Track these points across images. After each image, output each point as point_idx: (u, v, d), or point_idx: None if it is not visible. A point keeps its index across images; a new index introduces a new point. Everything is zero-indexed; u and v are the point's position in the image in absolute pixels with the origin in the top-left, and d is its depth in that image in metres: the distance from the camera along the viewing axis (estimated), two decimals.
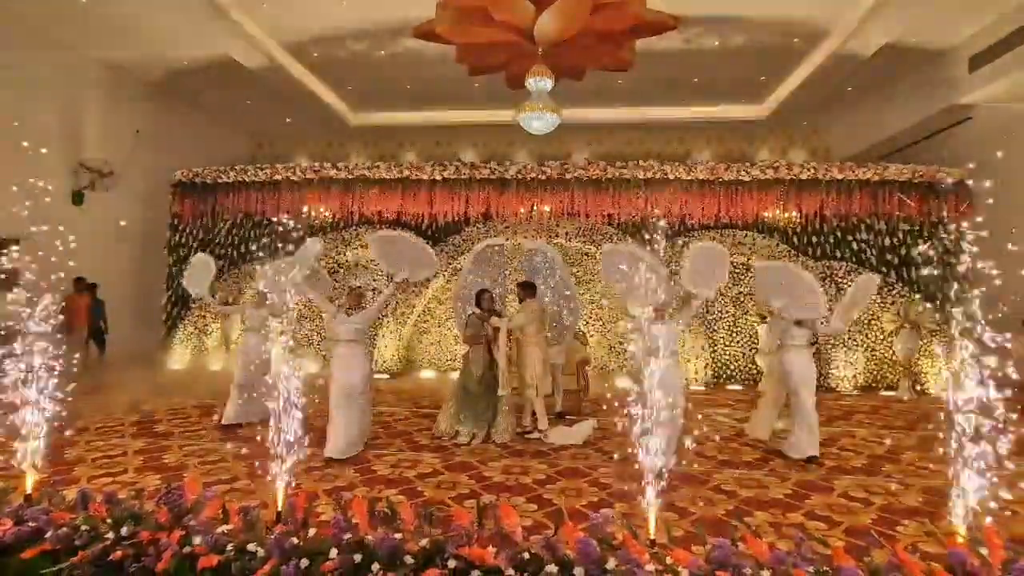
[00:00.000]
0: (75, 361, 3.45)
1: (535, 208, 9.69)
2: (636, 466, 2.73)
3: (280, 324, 3.15)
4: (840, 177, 9.31)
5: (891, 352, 8.73)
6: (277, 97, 11.28)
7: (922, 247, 8.56)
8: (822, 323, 5.16)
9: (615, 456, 4.77)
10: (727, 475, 4.47)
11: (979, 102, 8.97)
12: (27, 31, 8.47)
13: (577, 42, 7.08)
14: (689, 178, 9.52)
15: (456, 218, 9.77)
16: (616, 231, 9.48)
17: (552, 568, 2.36)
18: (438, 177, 9.77)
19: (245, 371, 5.78)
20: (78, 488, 3.18)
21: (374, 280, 9.49)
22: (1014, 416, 2.66)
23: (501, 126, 11.31)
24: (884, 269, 8.97)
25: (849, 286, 6.07)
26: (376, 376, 8.26)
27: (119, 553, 2.58)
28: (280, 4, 8.24)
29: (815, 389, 5.06)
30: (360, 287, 5.25)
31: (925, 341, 8.48)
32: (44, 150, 7.92)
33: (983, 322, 2.63)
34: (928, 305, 8.47)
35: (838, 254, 9.29)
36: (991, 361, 2.60)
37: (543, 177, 9.65)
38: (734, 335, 9.25)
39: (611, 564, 2.36)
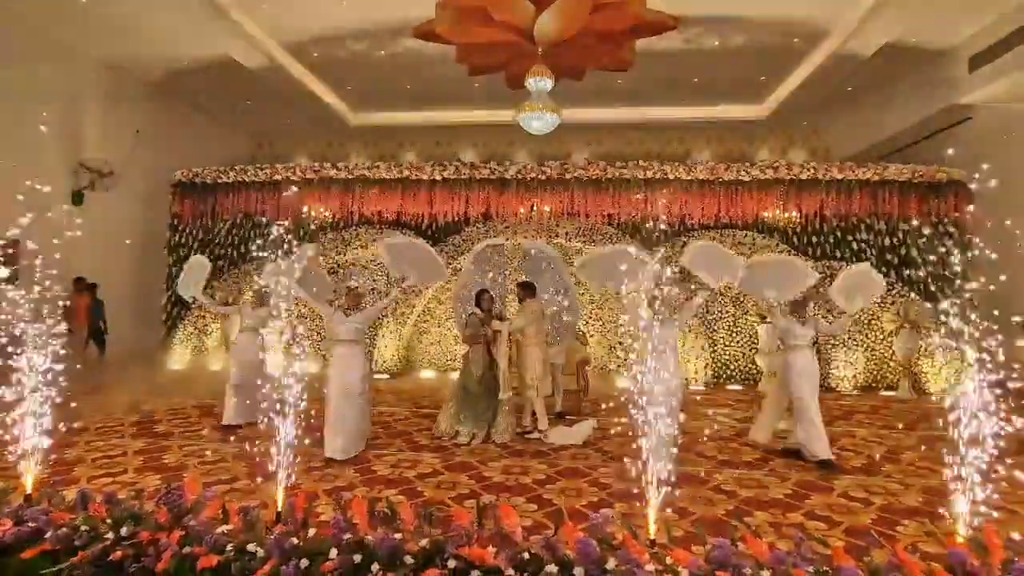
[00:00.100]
0: (76, 361, 3.44)
1: (535, 208, 9.69)
2: (636, 466, 2.73)
3: (280, 324, 3.15)
4: (840, 177, 9.31)
5: (891, 352, 8.73)
6: (277, 97, 11.29)
7: (922, 246, 8.59)
8: (824, 321, 5.16)
9: (614, 458, 4.78)
10: (727, 475, 4.47)
11: (979, 102, 8.98)
12: (27, 31, 8.47)
13: (577, 42, 7.08)
14: (689, 178, 9.52)
15: (456, 218, 9.77)
16: (616, 231, 9.48)
17: (552, 568, 2.36)
18: (438, 177, 9.77)
19: (241, 371, 5.78)
20: (78, 488, 3.18)
21: (373, 280, 9.49)
22: (1015, 418, 2.65)
23: (501, 126, 11.32)
24: (884, 269, 8.96)
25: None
26: (376, 376, 8.27)
27: (119, 553, 2.58)
28: (280, 4, 8.24)
29: (818, 390, 4.98)
30: (358, 287, 5.25)
31: (925, 341, 8.48)
32: (43, 151, 7.94)
33: (983, 321, 2.62)
34: (927, 305, 8.46)
35: (838, 254, 9.29)
36: (991, 360, 2.59)
37: (543, 177, 9.66)
38: (734, 335, 9.25)
39: (611, 564, 2.36)
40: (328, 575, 2.43)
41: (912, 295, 8.75)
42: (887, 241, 9.17)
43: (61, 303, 3.26)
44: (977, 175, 2.73)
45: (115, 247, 9.95)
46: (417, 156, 13.60)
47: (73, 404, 3.32)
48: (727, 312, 9.24)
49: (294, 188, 9.85)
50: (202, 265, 6.36)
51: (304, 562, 2.46)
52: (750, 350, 9.13)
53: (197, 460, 4.69)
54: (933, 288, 8.54)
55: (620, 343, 9.46)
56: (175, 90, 11.06)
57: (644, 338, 2.85)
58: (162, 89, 10.94)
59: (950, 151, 7.54)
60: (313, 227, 9.87)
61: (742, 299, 9.22)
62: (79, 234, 3.47)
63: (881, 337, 8.83)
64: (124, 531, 2.67)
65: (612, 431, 5.61)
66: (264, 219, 10.03)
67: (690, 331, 8.81)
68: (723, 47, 9.34)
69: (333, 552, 2.48)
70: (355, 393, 4.86)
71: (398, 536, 2.55)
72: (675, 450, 2.83)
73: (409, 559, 2.43)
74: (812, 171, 9.36)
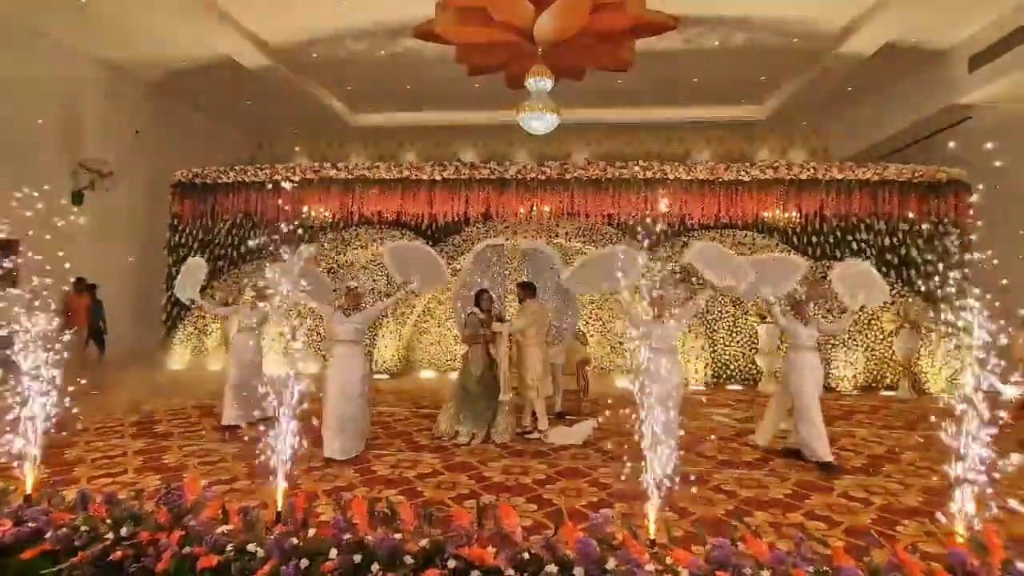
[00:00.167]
0: (76, 361, 3.44)
1: (535, 208, 9.68)
2: (636, 466, 2.73)
3: (279, 325, 3.15)
4: (840, 177, 9.31)
5: (891, 352, 8.73)
6: (277, 97, 11.30)
7: (922, 246, 8.60)
8: (825, 321, 5.17)
9: (614, 457, 4.78)
10: (727, 475, 4.47)
11: (978, 102, 8.98)
12: (27, 31, 8.47)
13: (577, 42, 7.09)
14: (689, 178, 9.52)
15: (456, 218, 9.77)
16: (616, 231, 9.49)
17: (552, 568, 2.36)
18: (438, 177, 9.77)
19: (240, 371, 5.78)
20: (78, 488, 3.18)
21: (373, 281, 9.49)
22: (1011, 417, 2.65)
23: (501, 126, 11.33)
24: (884, 269, 8.96)
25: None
26: (376, 376, 8.27)
27: (119, 553, 2.58)
28: (280, 4, 8.25)
29: (820, 392, 4.94)
30: (357, 287, 5.24)
31: (925, 341, 8.48)
32: (43, 151, 7.95)
33: (983, 320, 2.62)
34: (926, 304, 8.47)
35: (838, 254, 9.28)
36: (991, 360, 2.59)
37: (543, 177, 9.65)
38: (734, 335, 9.25)
39: (611, 564, 2.36)
40: (328, 575, 2.43)
41: (912, 295, 8.75)
42: (887, 241, 9.17)
43: (60, 303, 3.27)
44: (981, 185, 2.71)
45: (115, 247, 9.96)
46: (417, 156, 13.60)
47: (73, 404, 3.32)
48: (727, 312, 9.24)
49: (286, 185, 9.85)
50: (199, 267, 6.36)
51: (304, 562, 2.46)
52: (750, 350, 9.13)
53: (197, 460, 4.69)
54: (933, 287, 8.54)
55: (620, 343, 9.47)
56: (175, 90, 11.07)
57: (644, 338, 2.85)
58: (162, 89, 10.95)
59: (951, 144, 7.53)
60: (313, 227, 9.87)
61: (742, 299, 9.22)
62: (77, 232, 3.47)
63: (881, 337, 8.83)
64: (124, 531, 2.67)
65: (613, 431, 5.60)
66: (262, 219, 10.04)
67: (690, 331, 8.81)
68: (723, 47, 9.35)
69: (333, 552, 2.48)
70: (355, 393, 4.86)
71: (398, 536, 2.55)
72: (676, 450, 2.83)
73: (409, 559, 2.43)
74: (812, 171, 9.36)
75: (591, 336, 9.44)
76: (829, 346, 8.72)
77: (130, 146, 10.17)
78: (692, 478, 3.76)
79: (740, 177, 9.42)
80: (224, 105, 11.99)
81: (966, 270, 2.66)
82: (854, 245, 9.24)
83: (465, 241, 9.55)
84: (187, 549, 2.57)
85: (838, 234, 9.32)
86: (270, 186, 9.93)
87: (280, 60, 9.91)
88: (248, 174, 10.25)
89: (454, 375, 6.08)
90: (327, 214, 10.05)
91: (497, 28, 6.94)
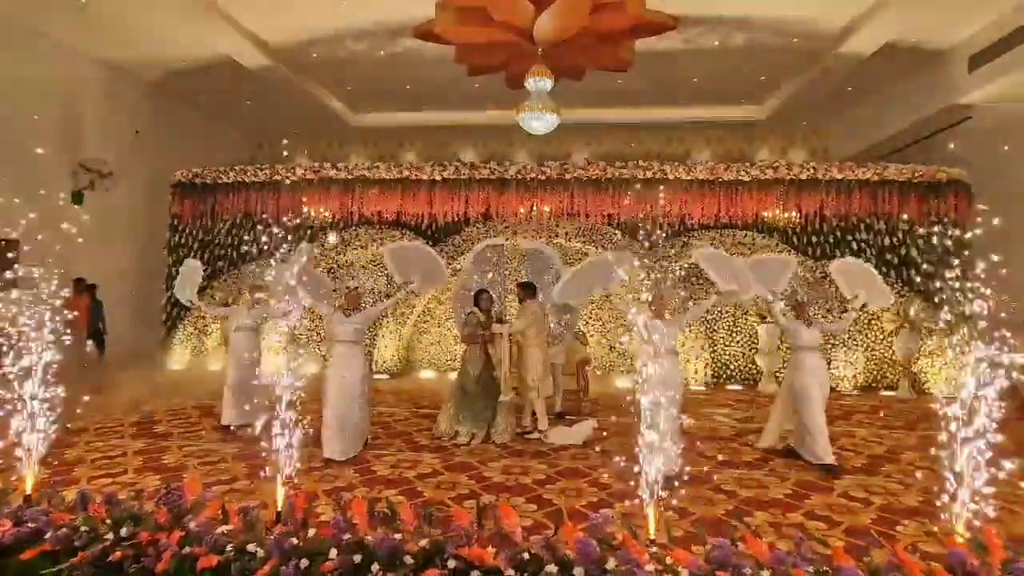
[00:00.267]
0: (76, 361, 3.44)
1: (535, 208, 9.68)
2: (636, 466, 2.73)
3: (279, 325, 3.14)
4: (840, 177, 9.31)
5: (891, 352, 8.73)
6: (277, 97, 11.29)
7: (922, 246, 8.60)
8: (830, 322, 5.17)
9: (615, 459, 4.78)
10: (727, 475, 4.47)
11: (978, 102, 8.98)
12: (27, 31, 8.47)
13: (577, 42, 7.09)
14: (689, 178, 9.52)
15: (456, 218, 9.77)
16: (616, 231, 9.49)
17: (552, 568, 2.36)
18: (438, 177, 9.77)
19: (239, 371, 5.77)
20: (78, 489, 3.18)
21: (373, 281, 9.49)
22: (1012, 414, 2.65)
23: (501, 126, 11.32)
24: (884, 269, 8.96)
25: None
26: (376, 376, 8.27)
27: (119, 554, 2.58)
28: (280, 4, 8.24)
29: (827, 394, 4.89)
30: (357, 287, 5.24)
31: (925, 341, 8.48)
32: (43, 150, 7.94)
33: (983, 320, 2.62)
34: (926, 304, 8.47)
35: (838, 254, 9.28)
36: (991, 359, 2.59)
37: (543, 177, 9.65)
38: (734, 335, 9.25)
39: (611, 564, 2.36)
40: (328, 575, 2.42)
41: (912, 295, 8.75)
42: (887, 241, 9.17)
43: (60, 303, 3.26)
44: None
45: (115, 247, 9.95)
46: (417, 156, 13.60)
47: (74, 405, 3.32)
48: (727, 312, 9.24)
49: (292, 177, 9.88)
50: (195, 269, 6.37)
51: (304, 562, 2.46)
52: (750, 350, 9.14)
53: (197, 460, 4.69)
54: (932, 287, 8.54)
55: (620, 342, 9.47)
56: (175, 90, 11.06)
57: (644, 339, 2.85)
58: (162, 89, 10.95)
59: (951, 144, 7.52)
60: (314, 227, 9.87)
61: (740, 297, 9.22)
62: (76, 232, 3.47)
63: (881, 337, 8.83)
64: (124, 532, 2.67)
65: (608, 431, 5.60)
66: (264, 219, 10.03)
67: (690, 331, 8.81)
68: (723, 47, 9.34)
69: (333, 552, 2.48)
70: (355, 394, 4.86)
71: (398, 536, 2.55)
72: (676, 450, 2.83)
73: (409, 559, 2.43)
74: (812, 171, 9.36)
75: (591, 336, 9.44)
76: (829, 346, 8.72)
77: (130, 146, 10.16)
78: (688, 478, 3.75)
79: (740, 177, 9.41)
80: (224, 105, 11.99)
81: (965, 270, 2.65)
82: (854, 245, 9.24)
83: (465, 241, 9.55)
84: (187, 549, 2.56)
85: (838, 234, 9.31)
86: (288, 182, 9.95)
87: (280, 60, 9.91)
88: (248, 174, 10.26)
89: (454, 375, 6.09)
90: (327, 214, 10.05)
91: (497, 28, 6.94)
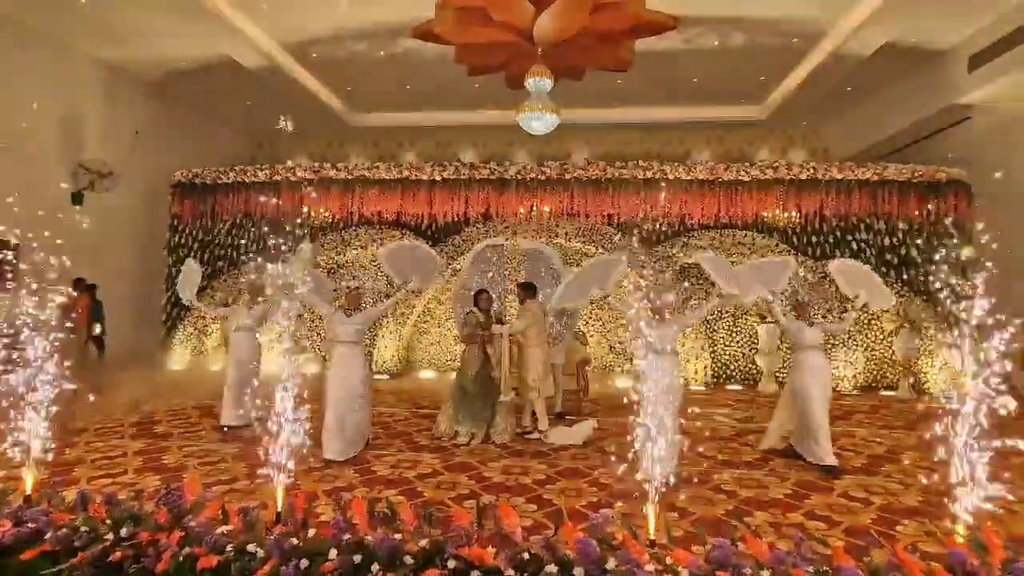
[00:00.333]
0: (76, 361, 3.44)
1: (535, 208, 9.69)
2: (636, 468, 2.73)
3: (279, 325, 3.14)
4: (839, 177, 9.31)
5: (891, 352, 8.73)
6: (277, 97, 11.28)
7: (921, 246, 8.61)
8: (831, 322, 5.17)
9: (614, 459, 4.78)
10: (727, 475, 4.47)
11: (978, 102, 8.98)
12: (27, 31, 8.47)
13: (576, 42, 7.08)
14: (689, 178, 9.52)
15: (456, 218, 9.77)
16: (616, 231, 9.49)
17: (552, 568, 2.36)
18: (438, 177, 9.77)
19: (239, 371, 5.78)
20: (78, 489, 3.18)
21: (373, 281, 9.49)
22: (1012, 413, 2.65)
23: (501, 126, 11.31)
24: (884, 269, 8.97)
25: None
26: (376, 376, 8.26)
27: (119, 554, 2.58)
28: (279, 4, 8.23)
29: (829, 395, 4.87)
30: (358, 287, 5.24)
31: (925, 341, 8.48)
32: (43, 151, 7.93)
33: (982, 320, 2.62)
34: (926, 304, 8.47)
35: (837, 254, 9.29)
36: (991, 360, 2.59)
37: (543, 177, 9.65)
38: (734, 335, 9.26)
39: (611, 564, 2.36)
40: (328, 575, 2.42)
41: (912, 295, 8.75)
42: (887, 241, 9.18)
43: (61, 303, 3.26)
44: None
45: (115, 247, 9.95)
46: (417, 156, 13.58)
47: (75, 405, 3.32)
48: (727, 312, 9.24)
49: (307, 188, 9.91)
50: (193, 270, 6.38)
51: (304, 562, 2.46)
52: (750, 350, 9.14)
53: (197, 461, 4.69)
54: (932, 287, 8.54)
55: (620, 342, 9.47)
56: (175, 90, 11.06)
57: (644, 338, 2.85)
58: (162, 89, 10.94)
59: (951, 145, 7.52)
60: (314, 227, 9.87)
61: (741, 300, 9.23)
62: (75, 233, 3.46)
63: (881, 337, 8.83)
64: (124, 532, 2.67)
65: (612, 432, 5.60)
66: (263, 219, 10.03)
67: (690, 331, 8.81)
68: (723, 47, 9.34)
69: (333, 552, 2.48)
70: (355, 394, 4.86)
71: (398, 536, 2.54)
72: (676, 450, 2.83)
73: (409, 559, 2.43)
74: (812, 171, 9.36)
75: (591, 336, 9.44)
76: (829, 346, 8.73)
77: (130, 146, 10.16)
78: (685, 476, 3.75)
79: (740, 177, 9.42)
80: (224, 105, 11.99)
81: (965, 269, 2.66)
82: (854, 245, 9.25)
83: (465, 241, 9.56)
84: (187, 550, 2.56)
85: (838, 234, 9.32)
86: (288, 181, 9.96)
87: (279, 60, 9.91)
88: (248, 174, 10.26)
89: (454, 375, 6.10)
90: (327, 214, 10.05)
91: (497, 28, 6.93)
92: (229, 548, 2.56)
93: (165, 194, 10.54)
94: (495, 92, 9.66)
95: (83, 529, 2.70)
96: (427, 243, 9.59)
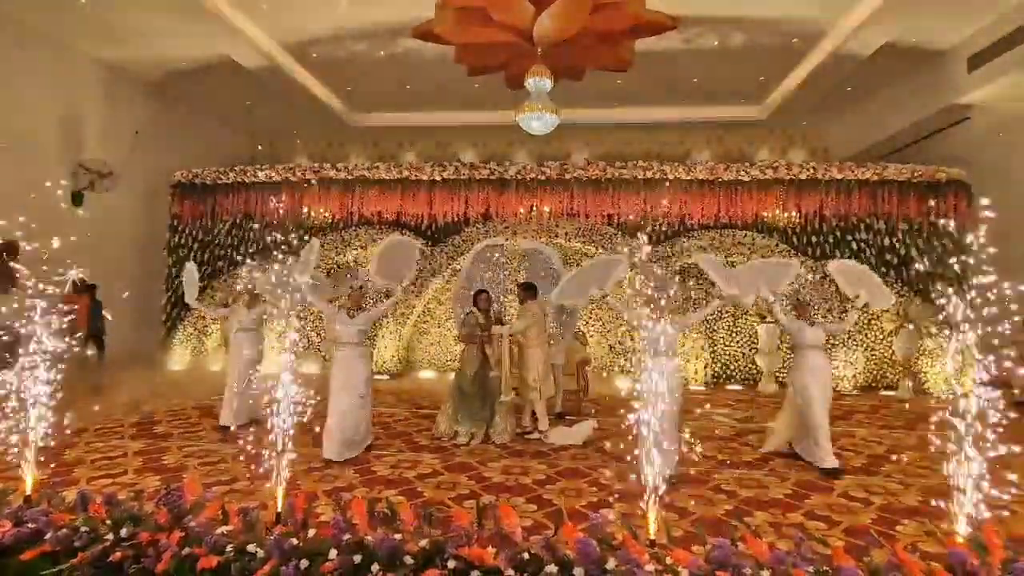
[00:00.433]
0: (76, 362, 3.44)
1: (535, 208, 9.69)
2: (636, 468, 2.73)
3: (280, 325, 3.14)
4: (839, 177, 9.31)
5: (891, 352, 8.73)
6: (277, 97, 11.28)
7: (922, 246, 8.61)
8: (831, 322, 5.17)
9: (616, 458, 4.78)
10: (727, 475, 4.47)
11: (977, 102, 8.98)
12: (27, 31, 8.47)
13: (576, 42, 7.08)
14: (689, 178, 9.52)
15: (456, 218, 9.77)
16: (616, 231, 9.49)
17: (552, 568, 2.36)
18: (438, 177, 9.77)
19: (239, 372, 5.77)
20: (77, 489, 3.18)
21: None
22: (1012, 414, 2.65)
23: (501, 126, 11.31)
24: (884, 269, 8.97)
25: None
26: (376, 376, 8.26)
27: (118, 554, 2.58)
28: (279, 4, 8.24)
29: (830, 396, 4.85)
30: (361, 287, 5.24)
31: (924, 341, 8.48)
32: (43, 151, 7.92)
33: (983, 321, 2.62)
34: (926, 303, 8.47)
35: (837, 254, 9.29)
36: (992, 360, 2.59)
37: (543, 177, 9.65)
38: (734, 335, 9.26)
39: (611, 564, 2.36)
40: (328, 575, 2.42)
41: (912, 295, 8.75)
42: (887, 241, 9.18)
43: (63, 304, 3.27)
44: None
45: (115, 247, 9.95)
46: (417, 156, 13.59)
47: (75, 406, 3.32)
48: (727, 312, 9.24)
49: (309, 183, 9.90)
50: (191, 273, 6.38)
51: (304, 563, 2.46)
52: (750, 350, 9.14)
53: (197, 461, 4.69)
54: (932, 287, 8.55)
55: (620, 342, 9.47)
56: (175, 91, 11.06)
57: (644, 338, 2.85)
58: (162, 90, 10.94)
59: (950, 144, 7.52)
60: (314, 227, 9.87)
61: (741, 300, 9.23)
62: (76, 233, 3.47)
63: (881, 337, 8.83)
64: (124, 532, 2.67)
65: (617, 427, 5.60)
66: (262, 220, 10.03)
67: (690, 332, 8.80)
68: (723, 47, 9.34)
69: (333, 553, 2.48)
70: (357, 395, 4.86)
71: (398, 536, 2.55)
72: (676, 450, 2.83)
73: (409, 559, 2.43)
74: (812, 171, 9.36)
75: (591, 336, 9.45)
76: (829, 346, 8.73)
77: (130, 146, 10.16)
78: (685, 476, 3.76)
79: (740, 177, 9.42)
80: (223, 105, 11.98)
81: (964, 269, 2.66)
82: (854, 245, 9.25)
83: (465, 241, 9.56)
84: (187, 550, 2.56)
85: (838, 234, 9.32)
86: (288, 181, 9.95)
87: (279, 60, 9.91)
88: (248, 174, 10.26)
89: (453, 375, 6.10)
90: (327, 214, 10.05)
91: (496, 28, 6.93)
92: (229, 548, 2.56)
93: (165, 194, 10.54)
94: (495, 92, 9.66)
95: (83, 529, 2.71)
96: (427, 243, 9.63)
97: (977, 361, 2.61)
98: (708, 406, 6.00)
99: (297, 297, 3.21)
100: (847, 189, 9.31)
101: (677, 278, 6.19)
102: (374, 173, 9.95)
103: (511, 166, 9.79)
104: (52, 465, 3.56)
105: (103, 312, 9.06)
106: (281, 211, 9.92)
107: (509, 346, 5.69)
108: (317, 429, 4.35)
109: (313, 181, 9.96)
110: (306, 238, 5.26)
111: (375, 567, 2.41)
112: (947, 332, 2.65)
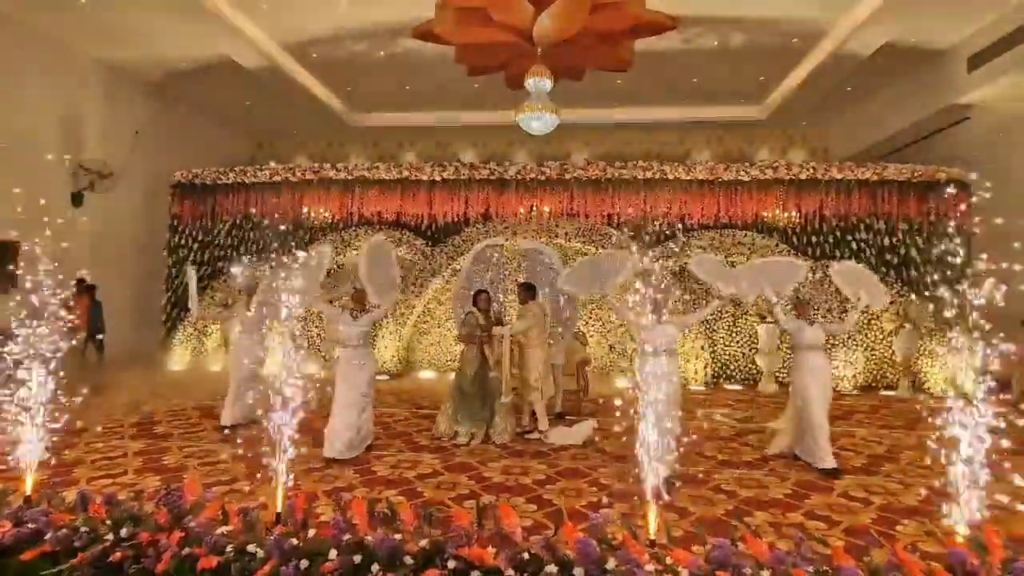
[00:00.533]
0: (76, 362, 3.44)
1: (535, 208, 9.69)
2: (636, 468, 2.73)
3: (281, 325, 3.14)
4: (839, 177, 9.31)
5: (891, 352, 8.73)
6: (277, 97, 11.29)
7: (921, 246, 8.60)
8: (830, 322, 5.16)
9: (616, 458, 4.78)
10: (727, 475, 4.47)
11: (977, 102, 8.98)
12: (27, 31, 8.47)
13: (576, 42, 7.08)
14: (689, 178, 9.52)
15: (456, 218, 9.77)
16: (615, 231, 9.49)
17: (552, 568, 2.36)
18: (438, 178, 9.77)
19: (240, 372, 5.77)
20: (78, 489, 3.18)
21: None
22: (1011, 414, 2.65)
23: (501, 126, 11.31)
24: (884, 269, 8.97)
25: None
26: (376, 376, 8.26)
27: (118, 554, 2.58)
28: (279, 5, 8.24)
29: (829, 396, 4.83)
30: (364, 288, 5.23)
31: (924, 340, 8.48)
32: (43, 151, 7.93)
33: (982, 320, 2.62)
34: (924, 302, 8.46)
35: (837, 254, 9.29)
36: (991, 360, 2.59)
37: (543, 177, 9.65)
38: (734, 335, 9.25)
39: (611, 564, 2.36)
40: (328, 575, 2.42)
41: (912, 295, 8.75)
42: (887, 241, 9.17)
43: (61, 303, 3.26)
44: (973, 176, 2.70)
45: (115, 247, 9.95)
46: (417, 156, 13.60)
47: (75, 406, 3.32)
48: (727, 312, 9.24)
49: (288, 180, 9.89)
50: (189, 277, 6.36)
51: (304, 563, 2.46)
52: (750, 350, 9.13)
53: (197, 461, 4.69)
54: (931, 287, 8.55)
55: (619, 342, 9.47)
56: (175, 91, 11.07)
57: (643, 338, 2.86)
58: (162, 90, 10.95)
59: (950, 144, 7.52)
60: (314, 227, 9.87)
61: (741, 302, 9.23)
62: (75, 233, 3.47)
63: (881, 337, 8.82)
64: (124, 532, 2.67)
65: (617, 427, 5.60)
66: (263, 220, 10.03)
67: (690, 331, 8.80)
68: (722, 47, 9.35)
69: (333, 553, 2.48)
70: (359, 395, 4.86)
71: (398, 537, 2.55)
72: (675, 450, 2.83)
73: (409, 559, 2.43)
74: (812, 171, 9.36)
75: (591, 336, 9.44)
76: (829, 346, 8.72)
77: (130, 146, 10.16)
78: (686, 476, 3.75)
79: (740, 177, 9.42)
80: (224, 105, 11.99)
81: (964, 269, 2.66)
82: (854, 245, 9.25)
83: (465, 241, 9.55)
84: (187, 550, 2.56)
85: (838, 234, 9.32)
86: (288, 181, 9.96)
87: (279, 61, 9.91)
88: (248, 174, 10.26)
89: (453, 376, 6.10)
90: (327, 214, 10.05)
91: (496, 28, 6.93)
92: (229, 548, 2.56)
93: (165, 194, 10.54)
94: (495, 92, 9.67)
95: (83, 529, 2.71)
96: (427, 243, 9.63)
97: (977, 361, 2.60)
98: (697, 411, 6.00)
99: (298, 299, 3.20)
100: (847, 189, 9.31)
101: (676, 277, 6.18)
102: (374, 173, 9.95)
103: (511, 166, 9.79)
104: (52, 464, 3.55)
105: (102, 312, 9.08)
106: (282, 211, 9.92)
107: (509, 346, 5.69)
108: (317, 428, 4.35)
109: (313, 181, 9.97)
110: (306, 239, 5.25)
111: (375, 567, 2.41)
112: (947, 332, 2.65)
